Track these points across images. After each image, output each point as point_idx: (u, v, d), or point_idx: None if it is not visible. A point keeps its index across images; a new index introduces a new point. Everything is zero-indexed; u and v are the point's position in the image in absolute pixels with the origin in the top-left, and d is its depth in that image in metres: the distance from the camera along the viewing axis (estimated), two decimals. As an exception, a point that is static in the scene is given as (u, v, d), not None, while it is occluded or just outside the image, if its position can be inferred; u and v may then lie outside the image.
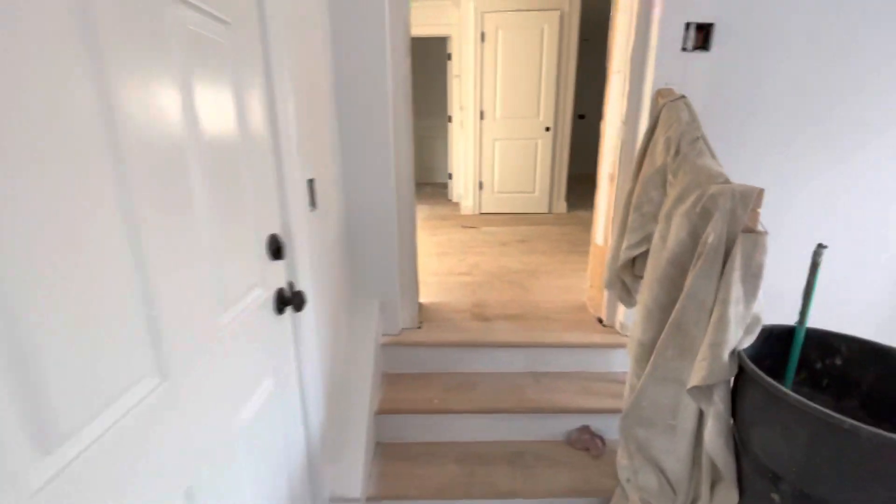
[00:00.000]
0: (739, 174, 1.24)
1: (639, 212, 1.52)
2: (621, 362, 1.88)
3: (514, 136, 4.49)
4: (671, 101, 1.48)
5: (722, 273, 1.10)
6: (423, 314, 2.16)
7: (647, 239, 1.52)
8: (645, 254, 1.52)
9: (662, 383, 1.25)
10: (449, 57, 5.27)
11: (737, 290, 1.07)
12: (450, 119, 5.43)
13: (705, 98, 1.64)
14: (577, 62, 4.35)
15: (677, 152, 1.39)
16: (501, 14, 4.16)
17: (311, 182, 1.32)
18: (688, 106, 1.47)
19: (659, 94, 1.56)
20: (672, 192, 1.34)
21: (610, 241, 1.65)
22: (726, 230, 1.10)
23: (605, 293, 1.99)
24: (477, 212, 4.71)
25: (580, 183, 6.63)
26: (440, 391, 1.83)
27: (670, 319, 1.20)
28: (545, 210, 4.69)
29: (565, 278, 2.72)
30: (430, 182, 7.56)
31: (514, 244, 3.50)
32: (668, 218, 1.31)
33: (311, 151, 1.34)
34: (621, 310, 1.90)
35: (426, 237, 3.76)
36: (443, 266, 3.00)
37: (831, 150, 1.77)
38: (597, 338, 1.95)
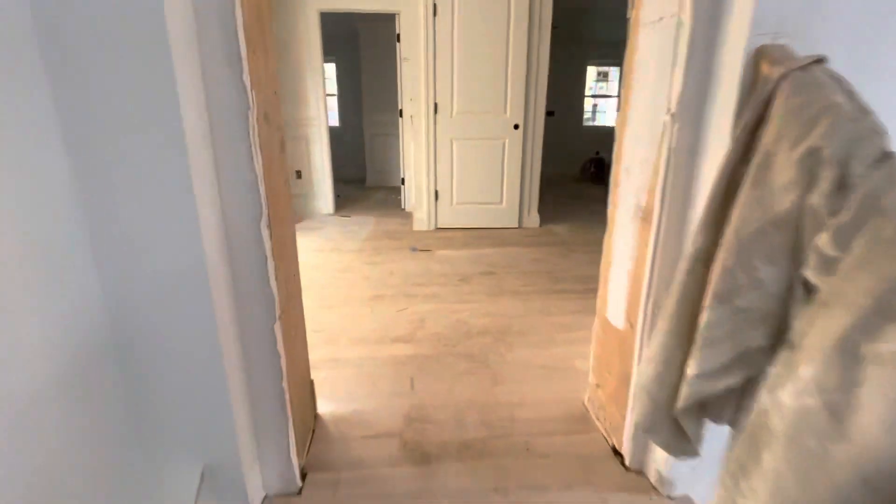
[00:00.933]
0: None
1: (727, 305, 0.71)
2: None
3: (476, 135, 3.67)
4: (798, 69, 0.69)
5: None
6: (317, 448, 1.29)
7: (745, 361, 0.72)
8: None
9: None
10: (398, 38, 4.39)
11: None
12: (400, 113, 4.56)
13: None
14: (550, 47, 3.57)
15: (842, 186, 0.59)
16: (458, -18, 3.33)
17: None
18: (838, 81, 0.67)
19: (764, 56, 0.76)
20: (849, 291, 0.53)
21: (653, 346, 0.84)
22: None
23: (628, 416, 1.18)
24: (432, 226, 3.87)
25: (549, 186, 5.85)
26: None
27: None
28: (514, 224, 3.90)
29: (549, 348, 1.90)
30: (383, 186, 6.65)
31: (478, 279, 2.67)
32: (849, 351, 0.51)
33: None
34: (659, 451, 1.09)
35: (360, 269, 2.87)
36: (374, 322, 2.13)
37: None
38: None
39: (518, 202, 3.85)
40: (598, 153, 8.04)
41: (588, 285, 2.47)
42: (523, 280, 2.64)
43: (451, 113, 3.60)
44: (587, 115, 8.17)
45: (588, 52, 7.62)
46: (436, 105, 3.58)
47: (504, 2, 3.37)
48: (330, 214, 4.57)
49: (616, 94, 8.08)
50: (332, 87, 7.48)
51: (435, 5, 3.36)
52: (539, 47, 3.53)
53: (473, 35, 3.42)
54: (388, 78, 4.91)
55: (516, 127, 3.65)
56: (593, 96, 8.10)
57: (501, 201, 3.85)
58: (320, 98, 4.31)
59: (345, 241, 3.54)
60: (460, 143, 3.68)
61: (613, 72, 7.98)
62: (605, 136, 8.45)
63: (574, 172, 7.88)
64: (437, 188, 3.78)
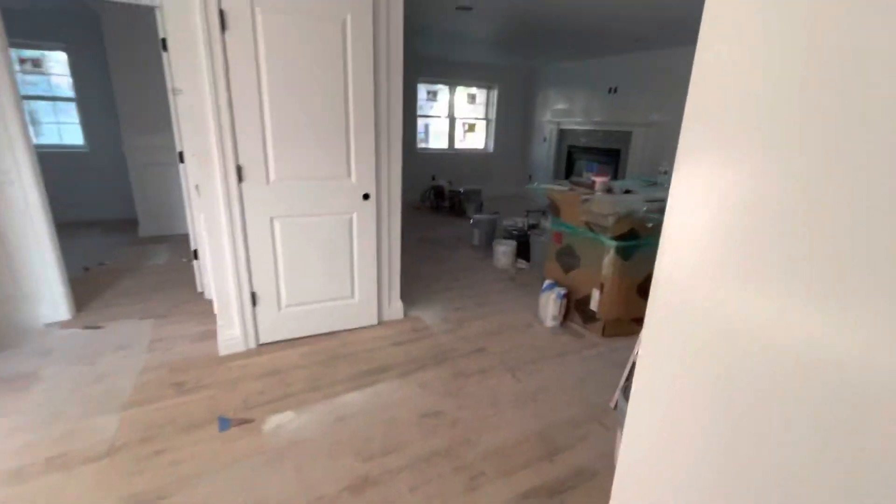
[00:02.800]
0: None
1: None
2: None
3: (309, 210, 2.51)
4: None
5: None
6: None
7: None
8: None
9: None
10: (163, 45, 2.89)
11: None
12: (180, 158, 3.05)
13: None
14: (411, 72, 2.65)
15: None
16: (260, -19, 2.10)
17: None
18: None
19: None
20: None
21: None
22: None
23: None
24: (252, 344, 2.57)
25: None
26: None
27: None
28: (373, 320, 2.90)
29: None
30: (165, 236, 4.76)
31: (348, 499, 1.61)
32: None
33: None
34: None
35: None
36: None
37: None
38: None
39: (376, 292, 2.86)
40: (434, 178, 7.54)
41: (528, 458, 1.69)
42: (424, 492, 1.68)
43: (267, 179, 2.36)
44: (420, 135, 7.56)
45: (420, 69, 6.96)
46: (240, 169, 2.28)
47: (336, 19, 2.29)
48: (62, 325, 2.75)
49: (449, 115, 7.67)
50: (65, 87, 5.08)
51: (222, 14, 2.05)
52: (390, 81, 2.56)
53: (293, 65, 2.24)
54: (159, 85, 3.25)
55: (366, 197, 2.63)
56: (424, 116, 7.52)
57: (352, 294, 2.79)
58: (8, 104, 2.46)
59: (84, 420, 1.96)
60: (286, 222, 2.47)
61: (441, 92, 7.53)
62: (439, 160, 8.14)
63: (413, 199, 7.21)
64: (255, 289, 2.50)
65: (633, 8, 3.70)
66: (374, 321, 2.90)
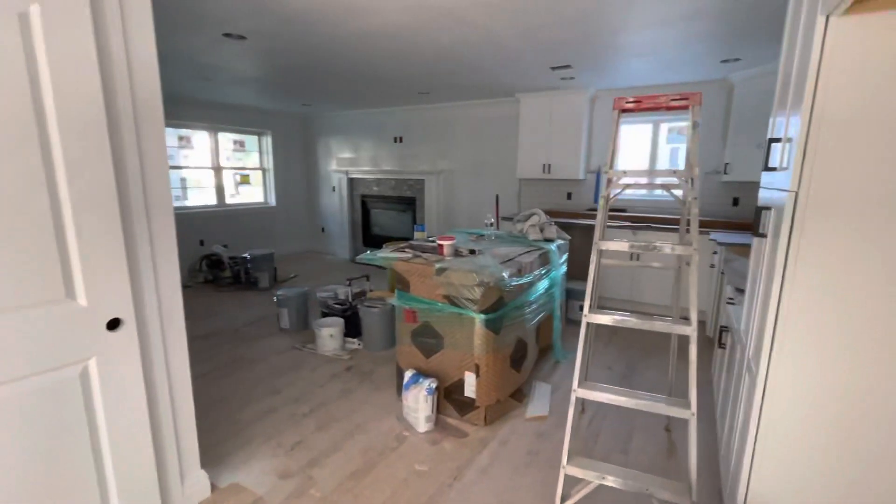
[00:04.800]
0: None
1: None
2: None
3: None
4: None
5: None
6: None
7: None
8: None
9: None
10: None
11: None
12: None
13: None
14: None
15: None
16: None
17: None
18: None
19: None
20: None
21: None
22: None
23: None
24: None
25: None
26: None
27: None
28: (152, 527, 1.66)
29: None
30: None
31: None
32: None
33: None
34: None
35: None
36: None
37: None
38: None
39: (155, 478, 1.64)
40: (202, 243, 5.96)
41: None
42: None
43: None
44: (175, 190, 5.89)
45: (168, 110, 5.40)
46: None
47: (8, 10, 1.19)
48: None
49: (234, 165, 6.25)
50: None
51: None
52: (138, 111, 1.51)
53: None
54: None
55: (114, 324, 1.47)
56: (177, 167, 5.91)
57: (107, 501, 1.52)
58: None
59: None
60: None
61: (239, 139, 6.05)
62: (208, 220, 6.42)
63: (181, 275, 5.45)
64: None
65: (409, 59, 3.56)
66: (158, 525, 1.67)
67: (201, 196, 6.18)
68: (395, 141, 6.48)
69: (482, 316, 2.35)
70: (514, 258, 2.69)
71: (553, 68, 3.85)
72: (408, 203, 6.50)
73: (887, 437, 1.18)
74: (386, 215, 6.80)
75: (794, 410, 1.28)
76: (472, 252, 2.78)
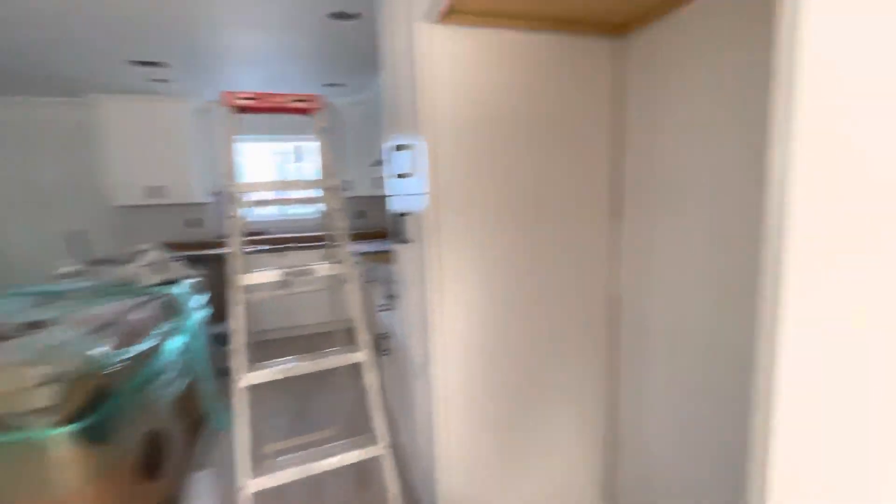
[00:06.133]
0: None
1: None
2: None
3: None
4: None
5: None
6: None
7: None
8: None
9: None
10: None
11: None
12: None
13: None
14: None
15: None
16: None
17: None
18: None
19: None
20: None
21: None
22: None
23: None
24: None
25: None
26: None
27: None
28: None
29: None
30: None
31: None
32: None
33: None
34: None
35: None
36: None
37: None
38: None
39: None
40: None
41: None
42: None
43: None
44: None
45: None
46: None
47: None
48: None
49: None
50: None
51: None
52: None
53: None
54: None
55: None
56: None
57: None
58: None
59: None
60: None
61: None
62: None
63: None
64: None
65: None
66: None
67: None
68: None
69: (69, 428, 1.44)
70: (116, 320, 1.84)
71: (134, 62, 2.99)
72: None
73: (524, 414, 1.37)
74: None
75: (464, 405, 1.31)
76: (33, 326, 1.72)
